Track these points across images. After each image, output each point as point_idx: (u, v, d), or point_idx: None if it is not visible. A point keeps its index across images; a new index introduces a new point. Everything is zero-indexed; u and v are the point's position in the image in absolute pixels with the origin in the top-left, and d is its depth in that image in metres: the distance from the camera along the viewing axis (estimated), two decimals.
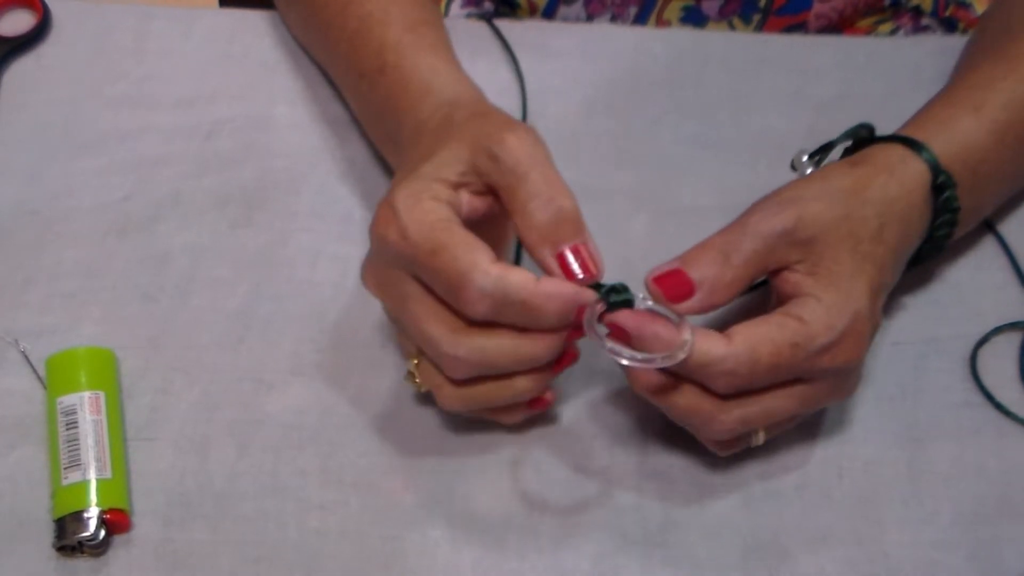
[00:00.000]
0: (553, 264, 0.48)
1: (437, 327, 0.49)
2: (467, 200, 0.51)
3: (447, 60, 0.61)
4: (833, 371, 0.50)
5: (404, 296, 0.50)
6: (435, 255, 0.47)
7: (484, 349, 0.49)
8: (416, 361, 0.53)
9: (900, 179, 0.54)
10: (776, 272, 0.51)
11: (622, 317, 0.49)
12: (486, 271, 0.47)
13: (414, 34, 0.61)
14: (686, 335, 0.48)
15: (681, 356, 0.47)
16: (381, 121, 0.62)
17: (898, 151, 0.55)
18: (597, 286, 0.49)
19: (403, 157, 0.56)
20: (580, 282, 0.48)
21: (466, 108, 0.55)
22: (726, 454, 0.54)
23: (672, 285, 0.50)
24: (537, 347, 0.49)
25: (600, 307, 0.48)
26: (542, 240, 0.48)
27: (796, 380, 0.50)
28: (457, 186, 0.50)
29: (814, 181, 0.53)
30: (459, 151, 0.50)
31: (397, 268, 0.50)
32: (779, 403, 0.51)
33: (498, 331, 0.49)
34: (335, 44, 0.66)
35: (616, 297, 0.49)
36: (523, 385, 0.51)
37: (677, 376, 0.50)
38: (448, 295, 0.48)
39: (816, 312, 0.49)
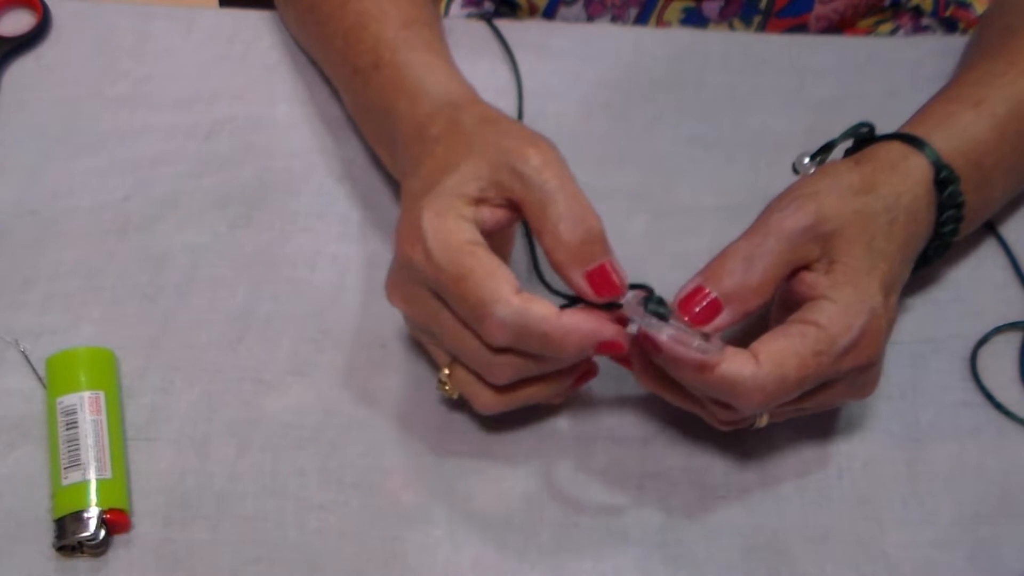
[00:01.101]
0: (583, 284, 0.49)
1: (470, 341, 0.50)
2: (489, 214, 0.51)
3: (442, 58, 0.61)
4: (855, 370, 0.50)
5: (436, 309, 0.51)
6: (459, 282, 0.48)
7: (518, 359, 0.50)
8: (448, 370, 0.53)
9: (904, 175, 0.54)
10: (793, 272, 0.51)
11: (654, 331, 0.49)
12: (508, 302, 0.47)
13: (409, 31, 0.61)
14: (715, 341, 0.48)
15: (714, 350, 0.47)
16: (375, 118, 0.62)
17: (899, 148, 0.55)
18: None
19: (404, 162, 0.56)
20: (608, 299, 0.49)
21: (470, 111, 0.55)
22: (727, 429, 0.53)
23: (697, 307, 0.50)
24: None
25: (640, 296, 0.49)
26: (571, 260, 0.49)
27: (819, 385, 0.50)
28: (479, 201, 0.51)
29: (823, 177, 0.53)
30: (479, 166, 0.50)
31: (423, 287, 0.51)
32: (800, 403, 0.51)
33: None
34: (331, 40, 0.66)
35: (653, 308, 0.49)
36: (562, 384, 0.53)
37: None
38: (470, 321, 0.49)
39: (833, 314, 0.49)
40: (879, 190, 0.52)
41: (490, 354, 0.49)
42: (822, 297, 0.50)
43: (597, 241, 0.49)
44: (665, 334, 0.47)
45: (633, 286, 0.50)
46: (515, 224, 0.54)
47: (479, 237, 0.49)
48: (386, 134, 0.60)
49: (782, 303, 0.52)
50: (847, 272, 0.50)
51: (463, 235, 0.49)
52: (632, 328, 0.50)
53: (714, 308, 0.50)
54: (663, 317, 0.49)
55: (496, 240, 0.52)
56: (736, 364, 0.48)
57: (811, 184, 0.52)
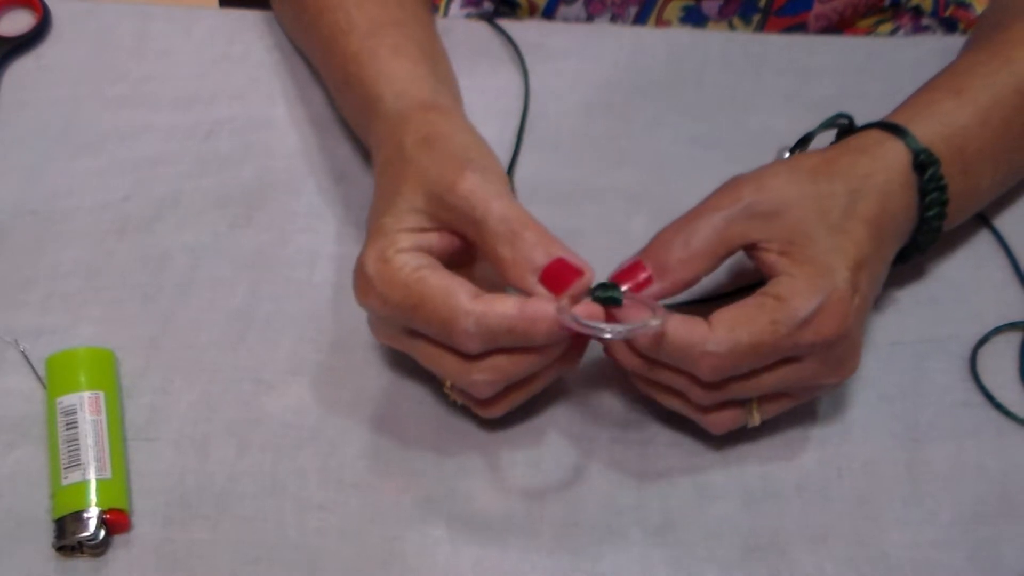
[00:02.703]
0: (541, 290, 0.50)
1: (449, 363, 0.51)
2: (437, 240, 0.52)
3: (407, 60, 0.61)
4: (820, 346, 0.50)
5: (409, 343, 0.52)
6: (417, 310, 0.49)
7: (498, 367, 0.51)
8: (449, 383, 0.55)
9: (874, 157, 0.54)
10: (753, 255, 0.52)
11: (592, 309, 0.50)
12: (468, 312, 0.48)
13: (374, 39, 0.62)
14: (659, 315, 0.49)
15: (653, 324, 0.48)
16: (359, 130, 0.64)
17: (875, 135, 0.56)
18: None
19: (374, 181, 0.57)
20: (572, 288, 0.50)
21: (415, 127, 0.55)
22: (720, 433, 0.54)
23: (632, 279, 0.51)
24: (547, 352, 0.51)
25: (566, 303, 0.49)
26: (520, 274, 0.50)
27: (785, 360, 0.51)
28: (422, 230, 0.52)
29: (780, 163, 0.54)
30: (414, 199, 0.52)
31: (391, 326, 0.53)
32: (769, 380, 0.51)
33: (505, 352, 0.50)
34: (313, 52, 0.68)
35: (603, 293, 0.50)
36: (549, 377, 0.54)
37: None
38: (443, 341, 0.50)
39: (793, 287, 0.50)
40: (841, 171, 0.53)
41: (467, 373, 0.51)
42: (783, 273, 0.50)
43: (538, 246, 0.50)
44: (608, 333, 0.48)
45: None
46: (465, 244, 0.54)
47: (425, 260, 0.51)
48: (367, 143, 0.62)
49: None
50: (806, 250, 0.50)
51: (407, 267, 0.50)
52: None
53: (645, 281, 0.51)
54: (616, 301, 0.50)
55: (457, 259, 0.53)
56: (687, 327, 0.49)
57: (760, 168, 0.53)
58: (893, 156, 0.55)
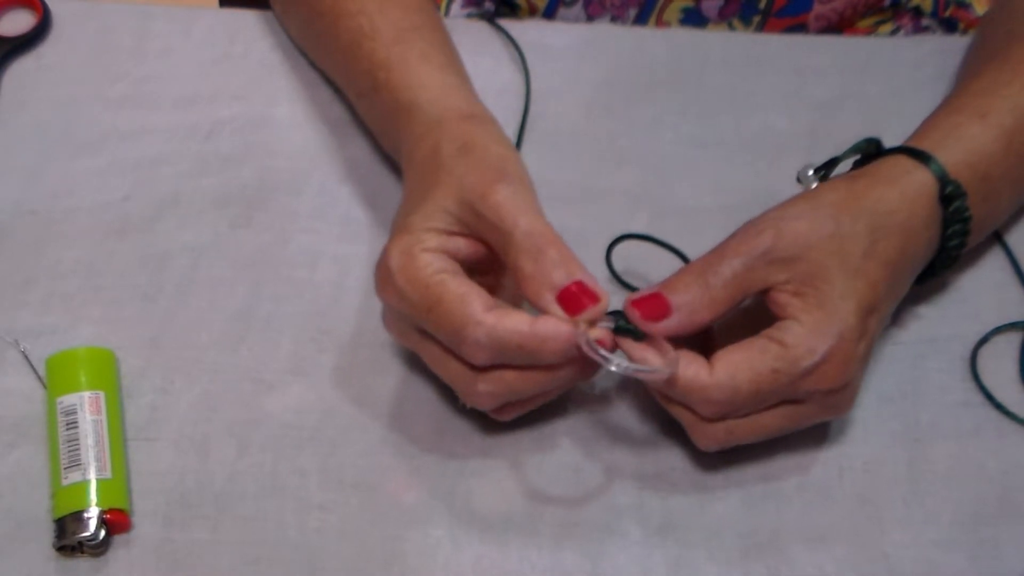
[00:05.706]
0: (556, 310, 0.49)
1: (456, 369, 0.51)
2: (464, 244, 0.52)
3: (437, 68, 0.61)
4: (820, 393, 0.50)
5: (418, 341, 0.53)
6: (431, 312, 0.49)
7: (504, 380, 0.51)
8: None
9: (902, 190, 0.54)
10: (765, 292, 0.51)
11: (623, 344, 0.51)
12: (479, 322, 0.48)
13: (402, 46, 0.62)
14: (670, 356, 0.49)
15: (666, 372, 0.49)
16: (384, 136, 0.64)
17: (903, 163, 0.55)
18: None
19: (404, 181, 0.57)
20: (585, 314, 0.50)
21: (451, 135, 0.55)
22: (711, 450, 0.54)
23: (649, 307, 0.51)
24: (553, 372, 0.51)
25: (584, 327, 0.49)
26: (538, 290, 0.50)
27: (783, 401, 0.51)
28: (450, 233, 0.52)
29: (803, 199, 0.54)
30: (445, 202, 0.52)
31: (405, 322, 0.53)
32: (766, 421, 0.52)
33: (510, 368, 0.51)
34: (331, 58, 0.67)
35: (624, 323, 0.51)
36: (559, 390, 0.54)
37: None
38: (451, 347, 0.50)
39: (798, 335, 0.49)
40: (866, 208, 0.53)
41: (472, 383, 0.51)
42: (791, 318, 0.50)
43: (560, 266, 0.50)
44: (613, 366, 0.49)
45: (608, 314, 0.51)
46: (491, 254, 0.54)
47: (448, 265, 0.51)
48: (397, 150, 0.62)
49: (758, 321, 0.53)
50: (819, 295, 0.50)
51: (429, 268, 0.50)
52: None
53: (665, 312, 0.50)
54: (637, 335, 0.50)
55: (481, 268, 0.53)
56: (691, 370, 0.49)
57: (783, 208, 0.53)
58: (920, 188, 0.54)
